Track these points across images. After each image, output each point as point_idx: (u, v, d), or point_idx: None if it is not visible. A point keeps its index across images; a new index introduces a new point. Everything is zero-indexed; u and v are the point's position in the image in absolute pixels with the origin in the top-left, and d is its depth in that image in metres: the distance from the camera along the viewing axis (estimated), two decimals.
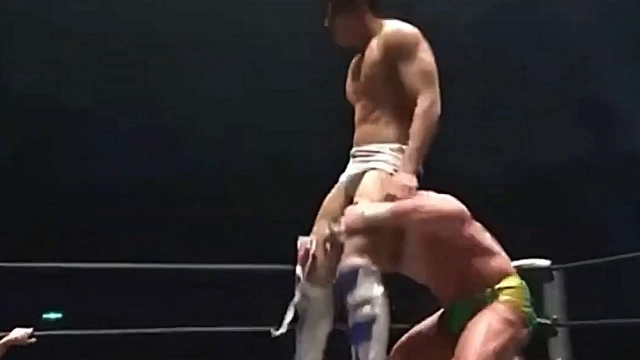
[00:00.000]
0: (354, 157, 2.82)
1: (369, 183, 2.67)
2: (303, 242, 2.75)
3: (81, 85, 11.87)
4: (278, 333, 2.71)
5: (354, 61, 2.95)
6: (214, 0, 11.44)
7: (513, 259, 4.65)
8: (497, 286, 2.55)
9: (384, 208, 2.56)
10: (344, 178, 2.84)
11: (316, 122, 11.15)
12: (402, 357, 2.72)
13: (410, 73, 2.68)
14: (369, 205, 2.58)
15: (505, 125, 12.09)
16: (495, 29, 11.46)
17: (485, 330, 2.43)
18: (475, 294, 2.55)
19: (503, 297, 2.52)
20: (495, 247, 2.66)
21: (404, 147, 2.68)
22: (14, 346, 3.61)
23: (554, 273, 4.71)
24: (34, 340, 3.67)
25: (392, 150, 2.70)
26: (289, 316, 2.69)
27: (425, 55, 2.72)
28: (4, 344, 3.62)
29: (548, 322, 4.69)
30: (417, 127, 2.62)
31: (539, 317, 4.69)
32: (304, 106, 11.52)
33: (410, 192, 2.58)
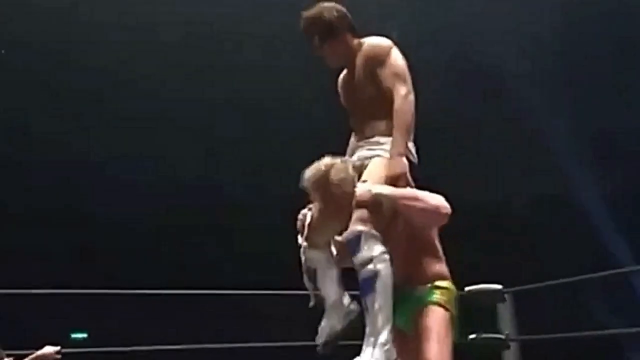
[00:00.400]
0: (361, 147, 2.87)
1: (373, 167, 2.74)
2: (302, 214, 2.79)
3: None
4: (312, 304, 2.76)
5: (342, 76, 3.02)
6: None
7: (472, 284, 4.70)
8: (435, 283, 2.63)
9: (390, 189, 2.60)
10: (354, 158, 2.89)
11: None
12: None
13: (385, 75, 2.79)
14: (376, 185, 2.62)
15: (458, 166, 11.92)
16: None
17: (438, 345, 2.51)
18: (417, 288, 2.62)
19: (436, 296, 2.60)
20: (443, 255, 2.74)
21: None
22: None
23: (506, 295, 4.73)
24: (60, 356, 3.65)
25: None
26: (307, 282, 2.74)
27: (396, 60, 2.82)
28: (35, 358, 3.58)
29: (502, 337, 4.69)
30: (395, 120, 2.70)
31: (494, 333, 4.73)
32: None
33: (403, 176, 2.65)
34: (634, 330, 4.80)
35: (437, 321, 2.56)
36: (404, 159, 2.68)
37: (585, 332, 7.40)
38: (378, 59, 2.82)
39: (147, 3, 10.86)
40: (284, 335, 5.07)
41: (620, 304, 11.08)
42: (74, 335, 11.56)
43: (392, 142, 2.70)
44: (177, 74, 11.44)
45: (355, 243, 2.53)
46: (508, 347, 4.68)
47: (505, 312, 4.74)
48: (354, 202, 2.59)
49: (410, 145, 2.81)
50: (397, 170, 2.65)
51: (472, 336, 4.71)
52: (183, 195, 12.23)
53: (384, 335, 2.45)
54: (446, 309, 2.59)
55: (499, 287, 4.72)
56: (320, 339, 2.69)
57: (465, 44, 10.97)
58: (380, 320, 2.46)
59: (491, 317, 4.77)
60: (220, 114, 11.74)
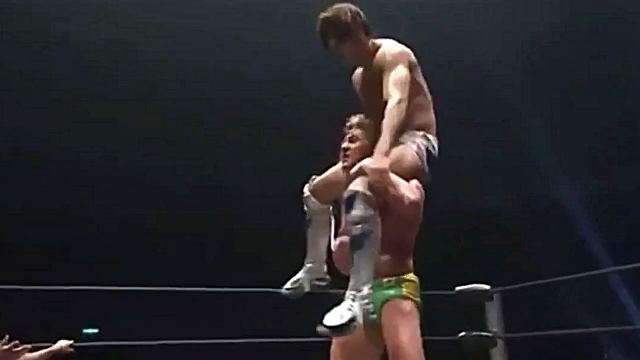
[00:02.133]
0: None
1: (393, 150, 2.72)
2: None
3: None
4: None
5: (358, 72, 3.01)
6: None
7: (462, 283, 4.69)
8: (402, 276, 2.69)
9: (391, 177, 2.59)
10: None
11: None
12: (340, 345, 2.73)
13: (387, 82, 2.74)
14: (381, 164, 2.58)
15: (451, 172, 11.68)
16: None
17: (409, 340, 2.57)
18: (385, 280, 2.67)
19: (404, 289, 2.66)
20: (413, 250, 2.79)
21: (427, 134, 2.82)
22: (58, 354, 3.61)
23: (493, 295, 4.72)
24: (73, 349, 3.66)
25: (413, 134, 2.80)
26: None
27: (401, 70, 2.76)
28: (50, 351, 3.60)
29: (489, 334, 4.68)
30: (385, 121, 2.64)
31: (481, 330, 4.72)
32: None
33: (382, 174, 2.55)
34: (611, 329, 4.79)
35: (404, 310, 2.63)
36: (387, 159, 2.59)
37: (566, 329, 7.39)
38: (387, 65, 2.78)
39: (148, 4, 10.76)
40: (284, 330, 5.05)
41: (599, 304, 11.07)
42: (85, 331, 11.53)
43: (379, 141, 2.61)
44: (177, 75, 11.34)
45: (350, 201, 2.53)
46: (495, 344, 4.67)
47: (492, 311, 4.73)
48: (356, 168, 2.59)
49: (433, 139, 2.81)
50: (379, 166, 2.55)
51: (461, 334, 4.70)
52: (183, 195, 12.17)
53: (365, 291, 2.44)
54: (412, 300, 2.66)
55: (487, 287, 4.71)
56: (289, 284, 2.95)
57: (464, 46, 10.78)
58: (362, 276, 2.46)
59: (479, 315, 4.76)
60: (221, 115, 11.65)
